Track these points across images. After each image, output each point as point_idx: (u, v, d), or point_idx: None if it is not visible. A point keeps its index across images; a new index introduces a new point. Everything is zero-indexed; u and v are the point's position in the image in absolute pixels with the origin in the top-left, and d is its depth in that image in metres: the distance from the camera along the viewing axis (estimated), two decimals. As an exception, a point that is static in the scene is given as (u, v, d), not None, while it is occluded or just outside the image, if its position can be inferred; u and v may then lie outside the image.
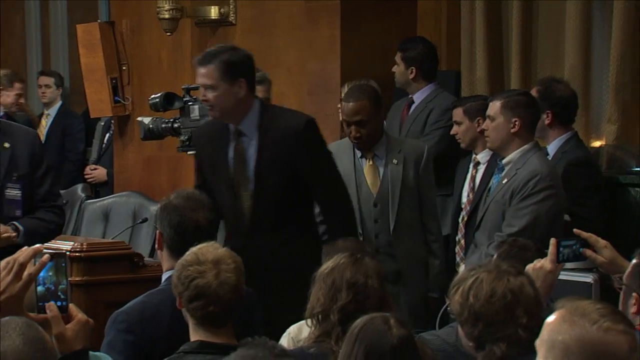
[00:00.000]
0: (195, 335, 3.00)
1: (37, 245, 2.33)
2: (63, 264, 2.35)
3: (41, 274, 2.33)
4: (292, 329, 3.64)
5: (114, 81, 6.90)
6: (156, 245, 3.51)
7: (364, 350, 2.51)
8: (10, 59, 8.61)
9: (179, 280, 2.99)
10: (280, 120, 4.09)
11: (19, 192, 4.08)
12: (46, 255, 2.31)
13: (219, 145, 4.13)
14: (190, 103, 4.83)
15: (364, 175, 4.64)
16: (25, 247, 2.33)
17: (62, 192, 6.56)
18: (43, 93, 7.91)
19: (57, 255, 2.35)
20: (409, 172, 4.63)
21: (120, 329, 3.25)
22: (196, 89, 5.03)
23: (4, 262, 2.32)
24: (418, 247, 4.68)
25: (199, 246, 3.06)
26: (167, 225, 3.45)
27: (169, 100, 4.90)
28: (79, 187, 6.68)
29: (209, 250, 3.03)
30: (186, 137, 4.81)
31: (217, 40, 6.51)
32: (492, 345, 2.67)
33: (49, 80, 7.86)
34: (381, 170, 4.64)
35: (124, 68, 6.94)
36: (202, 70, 4.00)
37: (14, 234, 4.03)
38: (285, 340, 3.60)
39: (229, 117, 4.10)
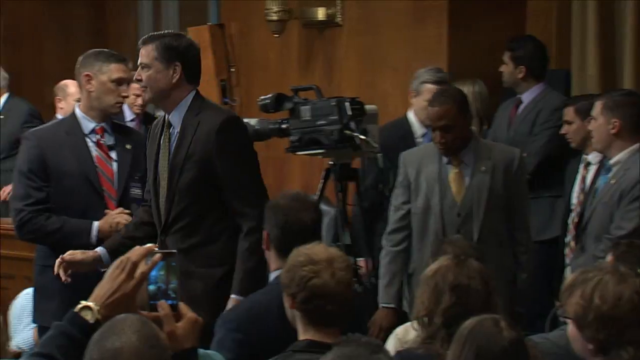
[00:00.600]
0: (304, 334, 3.01)
1: (150, 244, 2.37)
2: (174, 263, 2.38)
3: (152, 272, 2.36)
4: (399, 330, 3.63)
5: (222, 83, 6.99)
6: (263, 245, 3.54)
7: (474, 352, 2.48)
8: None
9: (292, 282, 2.98)
10: (203, 114, 3.91)
11: (141, 191, 4.21)
12: (157, 255, 2.35)
13: (155, 137, 4.02)
14: (300, 104, 4.84)
15: (449, 182, 4.44)
16: (138, 247, 2.38)
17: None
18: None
19: (168, 255, 2.38)
20: (498, 180, 4.41)
21: (229, 328, 3.30)
22: (305, 89, 5.06)
23: (117, 261, 2.36)
24: (504, 259, 4.40)
25: (307, 246, 3.07)
26: (274, 226, 3.48)
27: (279, 101, 4.93)
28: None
29: (319, 249, 3.03)
30: (296, 138, 4.82)
31: (324, 41, 6.54)
32: (620, 349, 2.59)
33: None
34: (467, 178, 4.42)
35: (232, 70, 7.03)
36: (142, 50, 3.95)
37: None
38: (392, 342, 3.60)
39: (161, 102, 3.97)
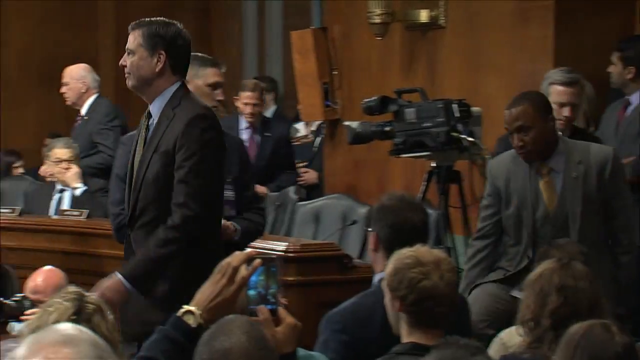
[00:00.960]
0: (408, 337, 3.00)
1: (250, 250, 2.39)
2: (273, 269, 2.39)
3: (252, 278, 2.37)
4: (504, 334, 3.58)
5: (325, 86, 7.02)
6: (371, 247, 3.52)
7: (587, 359, 2.43)
8: (227, 65, 8.92)
9: (401, 284, 2.97)
10: (179, 108, 3.77)
11: (233, 192, 4.24)
12: (258, 260, 2.36)
13: (138, 129, 3.93)
14: (405, 106, 4.81)
15: (541, 191, 4.27)
16: (238, 252, 2.39)
17: (274, 194, 6.75)
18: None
19: (268, 260, 2.39)
20: (591, 184, 4.23)
21: (334, 329, 3.30)
22: (409, 91, 5.04)
23: (219, 266, 2.38)
24: (606, 264, 4.25)
25: (411, 248, 3.06)
26: (385, 227, 3.46)
27: (384, 103, 4.90)
28: (291, 190, 6.82)
29: (424, 251, 3.03)
30: (400, 140, 4.80)
31: (427, 43, 6.50)
32: None
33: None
34: (558, 185, 4.26)
35: (334, 72, 7.04)
36: (130, 36, 3.86)
37: (235, 229, 4.18)
38: (496, 346, 3.55)
39: (143, 90, 3.83)
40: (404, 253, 3.04)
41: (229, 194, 4.24)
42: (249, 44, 9.13)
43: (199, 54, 4.33)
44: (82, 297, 2.48)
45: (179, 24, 3.88)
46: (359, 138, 5.15)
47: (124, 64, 3.82)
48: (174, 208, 3.67)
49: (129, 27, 3.85)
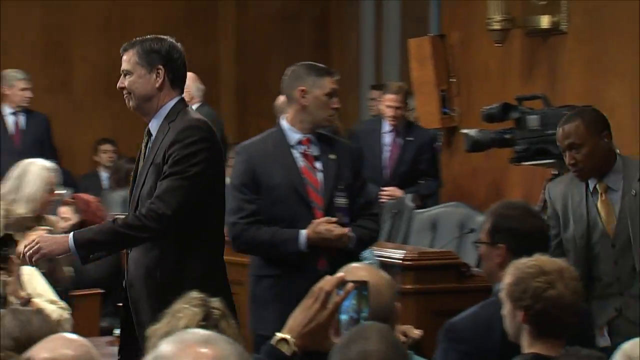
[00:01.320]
0: (530, 347, 2.94)
1: (341, 274, 2.36)
2: (365, 292, 2.37)
3: (344, 302, 2.34)
4: (627, 345, 3.48)
5: (442, 93, 6.97)
6: (497, 260, 3.43)
7: None
8: (343, 73, 8.96)
9: (525, 294, 2.92)
10: (175, 122, 3.74)
11: (346, 200, 4.26)
12: (350, 284, 2.32)
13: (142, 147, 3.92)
14: (527, 114, 4.73)
15: (598, 211, 4.11)
16: (329, 277, 2.36)
17: (391, 202, 6.73)
18: (371, 107, 8.15)
19: (360, 284, 2.38)
20: None
21: (454, 339, 3.27)
22: (531, 98, 4.95)
23: (310, 291, 2.34)
24: None
25: (531, 257, 3.01)
26: (514, 237, 3.40)
27: (505, 110, 4.83)
28: (408, 197, 6.79)
29: (545, 260, 2.98)
30: (522, 148, 4.72)
31: (548, 49, 6.40)
32: None
33: (377, 94, 8.07)
34: (617, 204, 4.09)
35: (452, 80, 6.99)
36: (123, 57, 3.83)
37: (350, 235, 4.19)
38: (618, 357, 3.46)
39: (144, 109, 3.82)
40: (525, 262, 2.99)
41: (341, 201, 4.26)
42: (366, 51, 9.15)
43: (315, 64, 4.37)
44: (208, 302, 2.51)
45: (170, 38, 3.88)
46: (477, 146, 5.10)
47: (121, 85, 3.82)
48: (150, 202, 3.70)
49: (121, 50, 3.86)
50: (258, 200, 4.23)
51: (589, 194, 4.14)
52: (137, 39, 3.85)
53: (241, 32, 9.20)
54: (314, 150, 4.30)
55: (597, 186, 4.13)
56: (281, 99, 6.35)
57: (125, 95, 3.83)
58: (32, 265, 3.92)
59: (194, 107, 7.04)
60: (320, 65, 4.38)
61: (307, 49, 8.89)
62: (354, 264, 2.81)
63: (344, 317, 2.36)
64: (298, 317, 2.32)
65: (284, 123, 4.32)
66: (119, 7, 8.96)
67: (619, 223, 4.10)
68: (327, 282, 2.33)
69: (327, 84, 4.26)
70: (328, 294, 2.31)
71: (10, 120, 7.56)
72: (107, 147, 8.67)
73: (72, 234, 3.74)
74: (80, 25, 8.78)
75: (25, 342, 2.45)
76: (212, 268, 3.80)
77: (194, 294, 2.56)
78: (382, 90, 7.74)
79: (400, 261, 4.74)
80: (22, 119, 7.73)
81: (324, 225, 4.16)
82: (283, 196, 4.22)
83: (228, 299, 3.63)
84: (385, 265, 4.47)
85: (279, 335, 2.30)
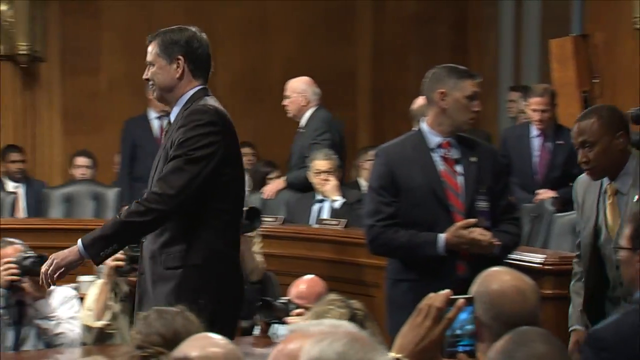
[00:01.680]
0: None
1: (447, 290, 2.32)
2: (470, 308, 2.33)
3: (457, 318, 2.31)
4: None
5: (584, 94, 6.82)
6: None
7: None
8: (482, 74, 8.86)
9: None
10: (190, 109, 3.75)
11: (487, 203, 4.20)
12: (461, 300, 2.30)
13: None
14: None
15: (605, 214, 3.98)
16: (434, 294, 2.32)
17: (531, 205, 6.61)
18: (509, 108, 8.04)
19: (467, 300, 2.34)
20: None
21: (596, 347, 3.19)
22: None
23: (417, 308, 2.32)
24: None
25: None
26: None
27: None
28: (549, 201, 6.66)
29: None
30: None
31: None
32: None
33: (515, 96, 7.95)
34: (622, 208, 3.95)
35: (595, 81, 6.84)
36: (148, 48, 3.82)
37: (493, 243, 4.14)
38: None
39: (166, 99, 3.83)
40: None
41: (483, 204, 4.21)
42: (505, 52, 9.04)
43: (456, 66, 4.33)
44: (350, 304, 2.52)
45: (194, 28, 3.89)
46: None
47: (146, 77, 3.87)
48: (153, 187, 3.72)
49: (147, 40, 3.90)
50: (396, 203, 4.22)
51: (601, 195, 4.04)
52: (161, 30, 3.90)
53: (378, 34, 9.21)
54: (454, 154, 4.26)
55: (608, 188, 4.03)
56: (417, 103, 6.34)
57: (150, 88, 3.90)
58: (53, 285, 3.87)
59: (311, 110, 7.07)
60: (462, 67, 4.33)
61: (444, 51, 8.84)
62: (496, 268, 2.77)
63: (449, 333, 2.32)
64: (408, 335, 2.28)
65: (424, 126, 4.30)
66: (258, 10, 9.08)
67: (621, 228, 3.91)
68: (436, 298, 2.29)
69: (468, 86, 4.22)
70: (440, 310, 2.28)
71: (155, 124, 7.77)
72: (246, 150, 8.82)
73: (79, 241, 3.75)
74: (222, 30, 8.95)
75: (172, 339, 2.51)
76: (218, 256, 3.76)
77: (333, 295, 2.58)
78: (522, 92, 7.62)
79: (541, 265, 4.65)
80: (165, 122, 7.92)
81: (478, 230, 4.11)
82: (422, 199, 4.19)
83: (232, 289, 3.75)
84: (525, 269, 4.40)
85: (390, 355, 2.25)
